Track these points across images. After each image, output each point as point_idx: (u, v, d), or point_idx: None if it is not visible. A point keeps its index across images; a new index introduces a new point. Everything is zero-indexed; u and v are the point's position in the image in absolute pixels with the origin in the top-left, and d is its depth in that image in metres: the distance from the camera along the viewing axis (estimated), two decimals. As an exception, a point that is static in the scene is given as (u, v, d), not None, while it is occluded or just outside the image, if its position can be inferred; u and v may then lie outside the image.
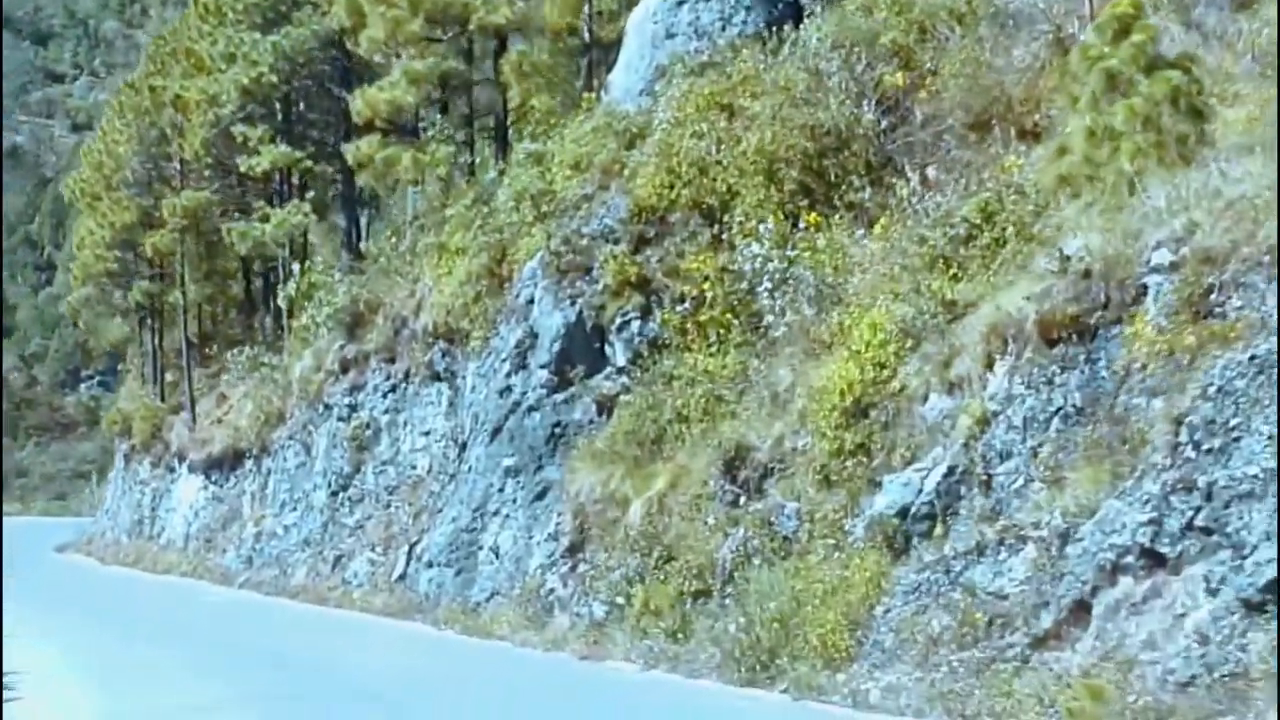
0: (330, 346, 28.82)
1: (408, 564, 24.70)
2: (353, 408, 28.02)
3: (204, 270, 36.59)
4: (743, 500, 18.37)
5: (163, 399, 37.39)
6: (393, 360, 27.24)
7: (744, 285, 21.17)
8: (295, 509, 29.54)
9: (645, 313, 21.92)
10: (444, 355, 25.78)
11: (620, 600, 19.11)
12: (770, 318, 20.61)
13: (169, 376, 37.29)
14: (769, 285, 20.83)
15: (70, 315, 40.53)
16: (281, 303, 31.75)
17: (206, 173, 33.85)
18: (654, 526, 19.28)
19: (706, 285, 21.22)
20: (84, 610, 24.33)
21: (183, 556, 32.89)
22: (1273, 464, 10.60)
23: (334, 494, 28.04)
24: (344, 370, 28.36)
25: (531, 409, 22.61)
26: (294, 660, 18.67)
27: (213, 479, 33.61)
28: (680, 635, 17.43)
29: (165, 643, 20.07)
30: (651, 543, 19.07)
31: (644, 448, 20.73)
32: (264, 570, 29.53)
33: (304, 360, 29.87)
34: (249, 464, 31.84)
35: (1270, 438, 10.78)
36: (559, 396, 22.36)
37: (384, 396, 27.35)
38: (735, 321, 20.99)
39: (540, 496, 22.29)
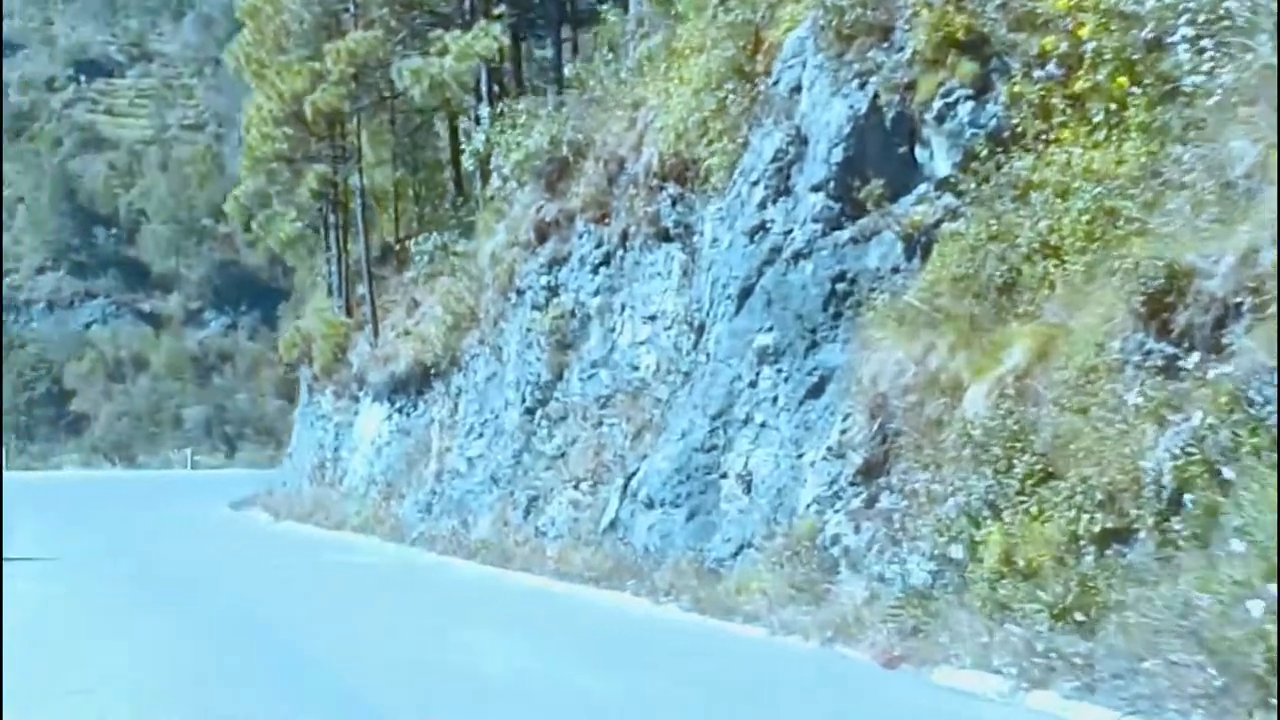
0: (525, 212, 20.89)
1: (620, 505, 16.60)
2: (552, 290, 20.01)
3: (394, 149, 29.18)
4: (1185, 364, 9.73)
5: (349, 313, 30.16)
6: (605, 218, 19.14)
7: (1145, 33, 12.65)
8: (481, 436, 21.76)
9: (982, 89, 13.63)
10: (674, 203, 17.59)
11: (956, 553, 10.81)
12: (1197, 78, 11.90)
13: (359, 289, 30.09)
14: (1189, 28, 12.27)
15: (237, 216, 33.57)
16: (467, 162, 23.98)
17: (384, 11, 26.26)
18: (1012, 424, 11.00)
19: (1083, 32, 12.75)
20: (142, 601, 17.01)
21: (361, 506, 25.63)
22: None
23: (529, 412, 20.11)
24: (540, 239, 20.35)
25: (799, 256, 14.46)
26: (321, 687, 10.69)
27: (397, 406, 26.22)
28: (1083, 619, 8.91)
29: (184, 651, 12.39)
30: (1011, 451, 10.64)
31: (986, 300, 12.65)
32: (442, 520, 21.89)
33: (496, 236, 22.05)
34: (438, 384, 24.29)
35: None
36: (843, 233, 14.25)
37: (593, 271, 19.30)
38: (1134, 90, 12.43)
39: (815, 391, 14.14)
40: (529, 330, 20.27)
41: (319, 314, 30.23)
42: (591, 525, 17.25)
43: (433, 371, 24.19)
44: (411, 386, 25.37)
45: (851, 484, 12.86)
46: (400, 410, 25.92)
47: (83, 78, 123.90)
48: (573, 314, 19.55)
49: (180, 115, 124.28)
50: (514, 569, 17.80)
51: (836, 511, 12.89)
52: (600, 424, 18.50)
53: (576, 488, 18.17)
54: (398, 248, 29.05)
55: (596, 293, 19.27)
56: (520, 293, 20.85)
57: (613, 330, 18.89)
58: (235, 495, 33.46)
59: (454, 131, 26.87)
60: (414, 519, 22.86)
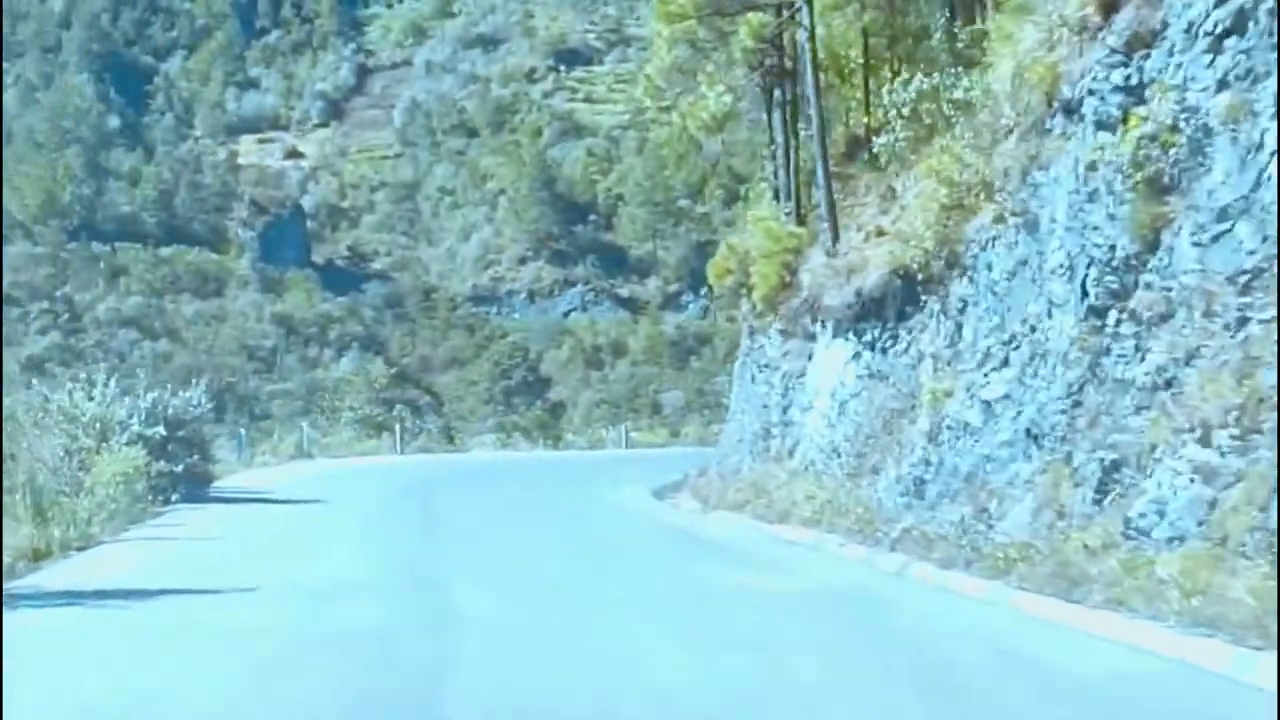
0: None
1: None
2: (1132, 93, 11.04)
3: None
4: None
5: (800, 221, 21.61)
6: (1236, -59, 10.05)
7: None
8: (1005, 364, 13.02)
9: None
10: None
11: None
12: None
13: (814, 194, 21.61)
14: None
15: (649, 97, 25.83)
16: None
17: None
18: None
19: None
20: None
21: (815, 488, 17.13)
22: None
23: (1096, 313, 11.21)
24: (1106, 9, 11.42)
25: None
26: None
27: (866, 339, 17.45)
28: None
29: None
30: None
31: None
32: (942, 507, 13.21)
33: (1021, 42, 13.31)
34: (928, 298, 15.61)
35: None
36: None
37: (1212, 49, 10.28)
38: None
39: None
40: (1091, 170, 11.37)
41: (759, 225, 21.96)
42: (1254, 515, 8.32)
43: (920, 280, 15.58)
44: (887, 308, 16.80)
45: None
46: (871, 345, 17.38)
47: (562, 67, 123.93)
48: (1173, 129, 10.56)
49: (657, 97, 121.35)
50: (1088, 605, 9.05)
51: None
52: (1244, 320, 9.50)
53: (1205, 441, 9.23)
54: (866, 127, 20.65)
55: (1221, 85, 10.23)
56: (1071, 111, 11.95)
57: (1258, 148, 9.82)
58: (667, 476, 25.74)
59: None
60: (895, 506, 14.32)
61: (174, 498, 22.05)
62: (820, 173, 19.67)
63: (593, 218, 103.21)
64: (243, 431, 34.71)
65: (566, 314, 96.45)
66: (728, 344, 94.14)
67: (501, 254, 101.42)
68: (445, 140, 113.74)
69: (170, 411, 23.95)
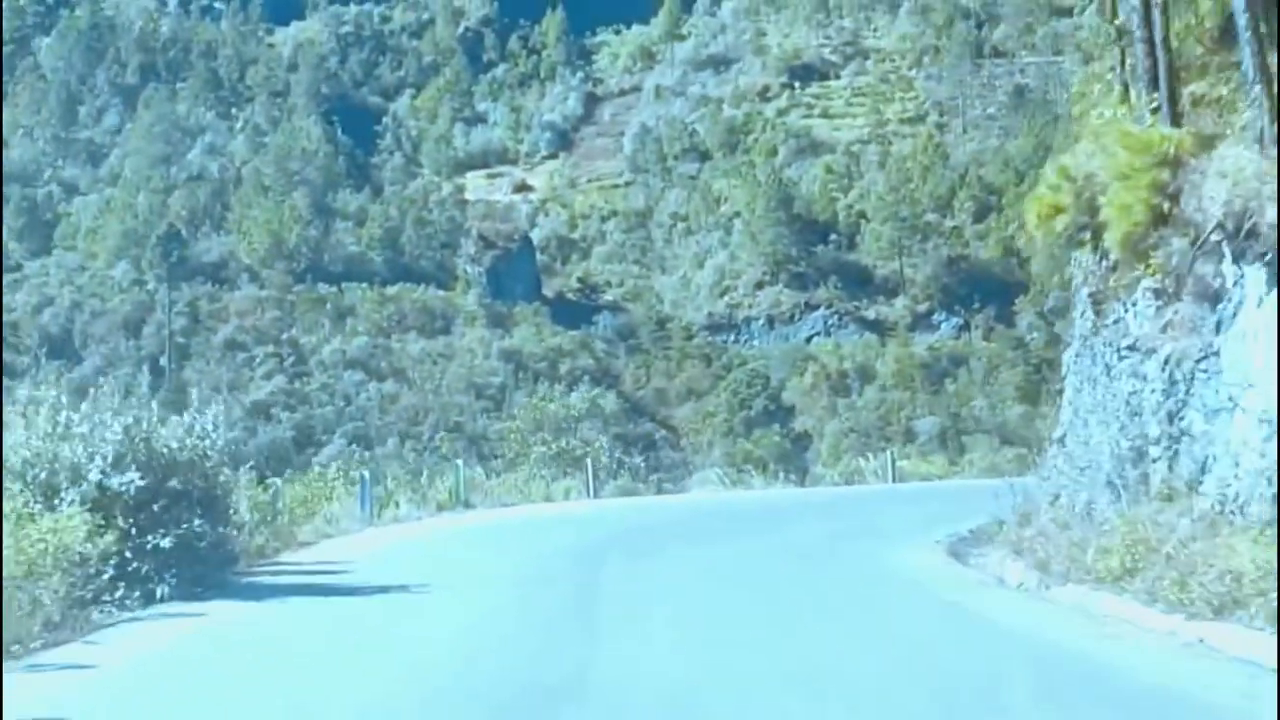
0: None
1: None
2: None
3: None
4: None
5: (1176, 121, 13.96)
6: None
7: None
8: None
9: None
10: None
11: None
12: None
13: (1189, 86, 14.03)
14: None
15: None
16: None
17: None
18: None
19: None
20: None
21: (1261, 544, 9.54)
22: None
23: None
24: None
25: None
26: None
27: None
28: None
29: None
30: None
31: None
32: None
33: None
34: None
35: None
36: None
37: None
38: None
39: None
40: None
41: (1107, 132, 14.42)
42: None
43: None
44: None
45: None
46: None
47: (796, 84, 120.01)
48: None
49: (899, 109, 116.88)
50: None
51: None
52: None
53: None
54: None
55: None
56: None
57: None
58: (959, 521, 18.14)
59: None
60: None
61: (160, 591, 14.22)
62: (1249, 33, 12.04)
63: (833, 237, 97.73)
64: (365, 476, 26.51)
65: (809, 339, 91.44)
66: (985, 364, 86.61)
67: (738, 279, 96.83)
68: (676, 165, 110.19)
69: (158, 446, 15.39)
